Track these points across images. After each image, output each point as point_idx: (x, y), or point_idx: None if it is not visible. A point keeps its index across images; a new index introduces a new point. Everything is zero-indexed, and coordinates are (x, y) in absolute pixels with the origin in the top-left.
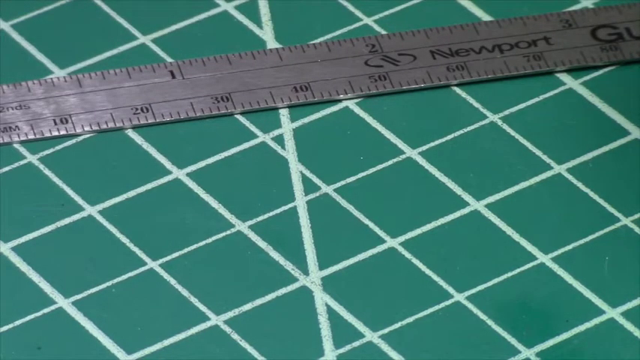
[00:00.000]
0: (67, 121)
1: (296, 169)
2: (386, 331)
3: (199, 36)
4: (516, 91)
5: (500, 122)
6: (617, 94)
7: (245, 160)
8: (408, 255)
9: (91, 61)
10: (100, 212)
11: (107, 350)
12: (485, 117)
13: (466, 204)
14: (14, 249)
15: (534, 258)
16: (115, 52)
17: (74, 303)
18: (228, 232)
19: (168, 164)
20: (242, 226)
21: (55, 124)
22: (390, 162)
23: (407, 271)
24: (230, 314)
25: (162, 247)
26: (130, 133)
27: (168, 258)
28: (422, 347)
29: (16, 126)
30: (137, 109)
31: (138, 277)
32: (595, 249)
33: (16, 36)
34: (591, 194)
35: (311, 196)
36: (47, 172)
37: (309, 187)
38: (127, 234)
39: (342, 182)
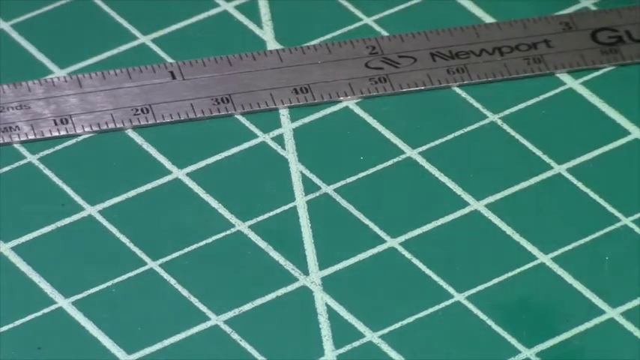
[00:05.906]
0: (67, 122)
1: (296, 169)
2: (386, 331)
3: (199, 36)
4: (516, 91)
5: (500, 122)
6: (617, 94)
7: (245, 160)
8: (408, 255)
9: (91, 61)
10: (100, 212)
11: (107, 350)
12: (485, 117)
13: (466, 204)
14: (14, 249)
15: (534, 258)
16: (115, 52)
17: (74, 303)
18: (228, 232)
19: (168, 164)
20: (242, 226)
21: (55, 124)
22: (390, 162)
23: (407, 271)
24: (230, 314)
25: (162, 247)
26: (130, 133)
27: (168, 258)
28: (422, 347)
29: (16, 126)
30: (137, 109)
31: (138, 277)
32: (595, 249)
33: (16, 36)
34: (591, 194)
35: (311, 196)
36: (47, 172)
37: (309, 187)
38: (127, 234)
39: (342, 182)
